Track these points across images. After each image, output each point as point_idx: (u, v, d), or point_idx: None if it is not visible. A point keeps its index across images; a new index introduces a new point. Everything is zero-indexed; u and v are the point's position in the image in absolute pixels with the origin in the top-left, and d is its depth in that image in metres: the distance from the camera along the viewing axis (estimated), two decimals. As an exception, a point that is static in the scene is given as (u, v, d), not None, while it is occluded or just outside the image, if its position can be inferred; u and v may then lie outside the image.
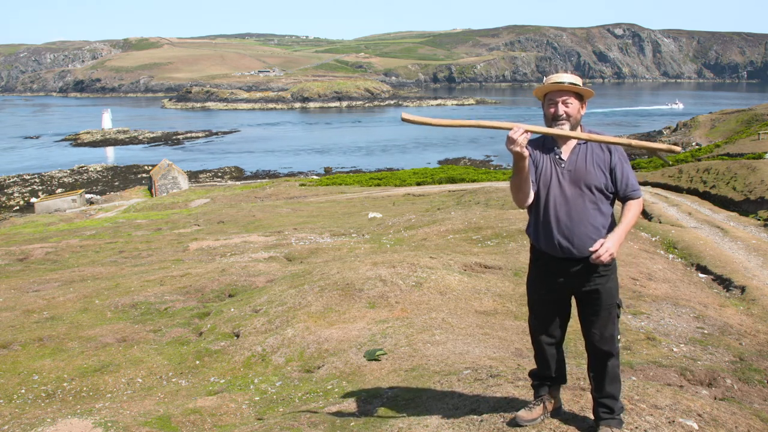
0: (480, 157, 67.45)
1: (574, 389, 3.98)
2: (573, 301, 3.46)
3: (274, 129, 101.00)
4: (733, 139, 44.92)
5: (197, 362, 6.26)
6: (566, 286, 3.33)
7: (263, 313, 7.11)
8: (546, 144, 3.38)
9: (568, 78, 3.28)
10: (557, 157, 3.32)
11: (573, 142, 3.32)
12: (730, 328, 7.05)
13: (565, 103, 3.25)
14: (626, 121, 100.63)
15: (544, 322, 3.46)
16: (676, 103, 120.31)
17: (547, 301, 3.41)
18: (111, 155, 77.89)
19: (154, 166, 59.52)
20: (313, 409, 4.54)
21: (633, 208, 3.27)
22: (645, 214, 17.87)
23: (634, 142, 3.23)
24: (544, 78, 3.37)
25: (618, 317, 3.36)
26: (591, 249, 3.14)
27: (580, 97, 3.30)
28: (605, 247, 3.11)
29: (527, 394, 3.93)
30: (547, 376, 3.56)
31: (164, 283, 9.78)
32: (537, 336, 3.50)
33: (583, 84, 3.36)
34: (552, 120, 3.28)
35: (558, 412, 3.60)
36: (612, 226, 3.30)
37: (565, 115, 3.25)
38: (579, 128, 3.32)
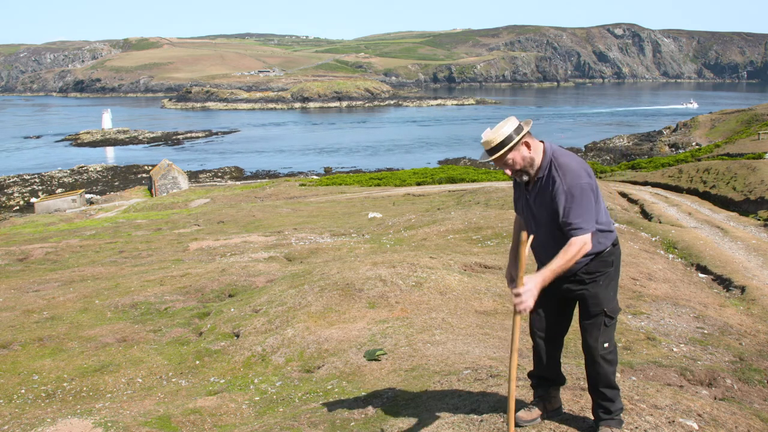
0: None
1: (574, 389, 3.98)
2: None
3: (274, 129, 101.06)
4: (733, 139, 44.93)
5: (197, 362, 6.26)
6: (556, 288, 3.32)
7: (263, 313, 7.11)
8: None
9: (495, 139, 3.11)
10: (526, 186, 3.34)
11: (536, 176, 3.26)
12: (730, 328, 7.05)
13: (505, 164, 3.20)
14: (628, 121, 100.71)
15: (538, 320, 3.48)
16: (691, 103, 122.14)
17: (541, 299, 3.41)
18: (111, 155, 77.90)
19: (154, 166, 59.53)
20: (313, 409, 4.53)
21: (569, 249, 3.09)
22: (645, 214, 17.87)
23: None
24: (482, 134, 3.28)
25: (606, 326, 3.30)
26: (519, 291, 3.05)
27: (519, 140, 3.15)
28: (530, 293, 3.04)
29: (527, 394, 3.93)
30: (542, 376, 3.56)
31: (164, 283, 9.78)
32: (532, 333, 3.53)
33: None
34: (513, 177, 3.30)
35: (558, 413, 3.60)
36: (588, 252, 3.20)
37: (512, 172, 3.24)
38: (540, 159, 3.21)
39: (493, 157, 3.14)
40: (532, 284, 3.06)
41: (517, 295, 3.06)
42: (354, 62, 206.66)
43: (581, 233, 3.10)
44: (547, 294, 3.36)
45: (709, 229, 14.71)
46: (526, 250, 3.15)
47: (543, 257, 3.31)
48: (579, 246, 3.10)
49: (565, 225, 3.13)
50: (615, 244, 3.32)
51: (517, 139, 3.12)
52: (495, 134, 3.12)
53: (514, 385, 3.17)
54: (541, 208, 3.24)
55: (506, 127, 3.13)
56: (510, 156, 3.16)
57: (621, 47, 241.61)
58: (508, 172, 3.23)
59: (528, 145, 3.18)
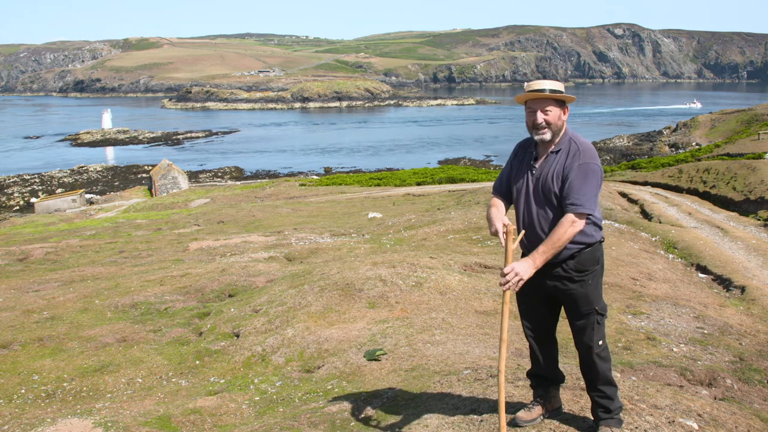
0: (480, 157, 67.49)
1: (574, 389, 3.98)
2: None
3: (274, 129, 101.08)
4: (733, 139, 44.93)
5: (197, 362, 6.26)
6: (543, 286, 3.31)
7: (263, 313, 7.11)
8: (529, 148, 3.39)
9: (548, 85, 3.22)
10: (532, 162, 3.33)
11: (548, 150, 3.29)
12: (730, 328, 7.05)
13: (544, 111, 3.21)
14: (630, 121, 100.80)
15: (528, 318, 3.49)
16: (695, 102, 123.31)
17: (529, 298, 3.42)
18: (111, 155, 77.91)
19: (154, 166, 59.54)
20: (313, 409, 4.53)
21: (562, 224, 3.09)
22: (645, 214, 17.87)
23: None
24: (525, 84, 3.35)
25: (599, 324, 3.30)
26: (504, 270, 3.05)
27: (562, 102, 3.24)
28: (514, 272, 3.02)
29: (527, 394, 3.93)
30: (540, 375, 3.56)
31: (164, 283, 9.78)
32: (525, 331, 3.54)
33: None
34: (532, 129, 3.26)
35: (558, 413, 3.60)
36: (580, 241, 3.21)
37: (544, 123, 3.22)
38: (562, 133, 3.27)
39: (542, 95, 3.17)
40: (519, 265, 3.05)
41: (503, 274, 3.05)
42: (354, 62, 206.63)
43: (579, 210, 3.10)
44: (534, 294, 3.36)
45: (709, 229, 14.71)
46: (514, 245, 3.14)
47: (535, 238, 3.27)
48: (569, 223, 3.10)
49: (566, 199, 3.13)
50: (601, 241, 3.35)
51: (565, 95, 3.21)
52: (549, 81, 3.24)
53: (503, 377, 3.16)
54: (547, 182, 3.22)
55: (560, 84, 3.27)
56: (552, 106, 3.20)
57: (621, 47, 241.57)
58: (540, 119, 3.19)
59: (566, 112, 3.26)
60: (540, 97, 3.20)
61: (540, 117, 3.21)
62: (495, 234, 3.23)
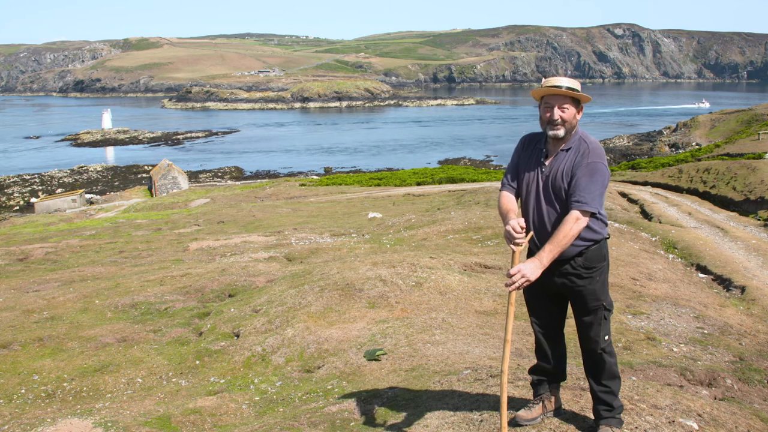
0: (480, 157, 67.48)
1: (574, 389, 3.98)
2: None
3: (274, 129, 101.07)
4: (733, 139, 44.91)
5: (197, 362, 6.26)
6: (551, 283, 3.32)
7: (263, 313, 7.11)
8: (538, 145, 3.39)
9: (566, 82, 3.23)
10: (542, 159, 3.34)
11: (559, 148, 3.30)
12: (730, 328, 7.05)
13: (561, 107, 3.22)
14: (632, 121, 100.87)
15: (537, 314, 3.50)
16: (703, 102, 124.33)
17: (537, 295, 3.44)
18: (111, 155, 77.88)
19: (154, 166, 59.53)
20: (313, 409, 4.53)
21: (566, 222, 3.10)
22: (645, 214, 17.87)
23: None
24: (542, 79, 3.36)
25: (606, 319, 3.33)
26: (510, 272, 3.06)
27: (577, 102, 3.27)
28: (520, 274, 3.02)
29: (527, 394, 3.93)
30: (546, 370, 3.56)
31: (164, 283, 9.78)
32: (533, 327, 3.54)
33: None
34: (547, 124, 3.27)
35: (558, 412, 3.60)
36: (589, 238, 3.23)
37: (560, 120, 3.23)
38: (573, 132, 3.29)
39: (559, 91, 3.20)
40: (526, 266, 3.05)
41: (509, 275, 3.06)
42: (354, 62, 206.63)
43: (583, 207, 3.11)
44: (543, 291, 3.38)
45: (709, 229, 14.71)
46: (523, 247, 3.15)
47: (544, 236, 3.26)
48: (573, 220, 3.10)
49: (572, 196, 3.15)
50: (607, 238, 3.37)
51: (581, 94, 3.24)
52: (567, 78, 3.26)
53: (506, 377, 3.16)
54: (557, 180, 3.23)
55: (577, 83, 3.29)
56: (569, 104, 3.23)
57: (621, 47, 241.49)
58: (557, 115, 3.20)
59: (580, 112, 3.30)
60: (557, 93, 3.22)
61: (557, 113, 3.23)
62: (512, 238, 3.15)
